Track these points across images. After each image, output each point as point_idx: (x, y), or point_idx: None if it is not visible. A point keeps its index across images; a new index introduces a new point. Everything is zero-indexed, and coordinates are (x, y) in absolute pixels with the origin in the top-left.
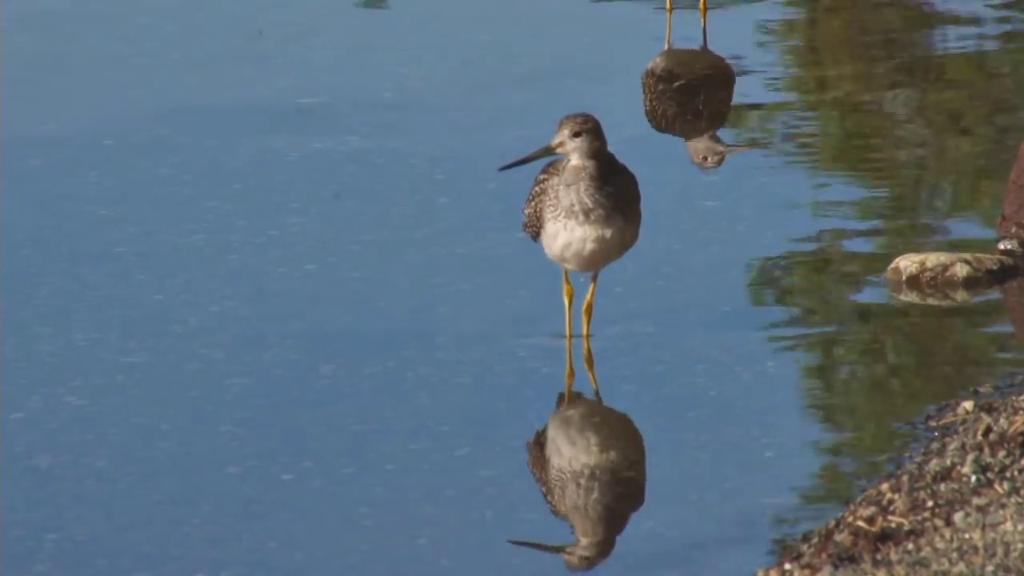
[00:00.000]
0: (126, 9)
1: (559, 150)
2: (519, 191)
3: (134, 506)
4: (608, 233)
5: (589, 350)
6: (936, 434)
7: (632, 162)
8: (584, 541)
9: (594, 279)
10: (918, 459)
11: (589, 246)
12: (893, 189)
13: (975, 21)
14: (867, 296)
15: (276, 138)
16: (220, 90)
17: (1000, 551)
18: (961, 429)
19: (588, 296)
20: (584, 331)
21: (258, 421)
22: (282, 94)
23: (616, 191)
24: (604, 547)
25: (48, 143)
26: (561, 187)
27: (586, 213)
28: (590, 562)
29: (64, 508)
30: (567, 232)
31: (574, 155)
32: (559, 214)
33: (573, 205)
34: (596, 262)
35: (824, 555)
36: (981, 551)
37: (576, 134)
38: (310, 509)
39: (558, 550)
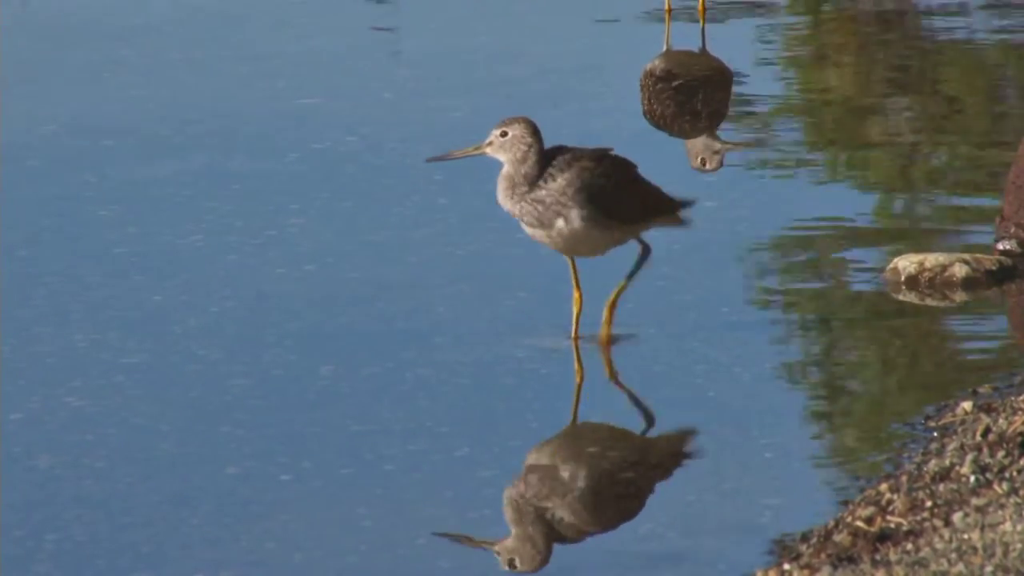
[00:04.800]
0: (125, 9)
1: (487, 149)
2: None
3: (134, 506)
4: (556, 230)
5: (609, 335)
6: (935, 434)
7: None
8: (511, 538)
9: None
10: (917, 459)
11: (551, 241)
12: (892, 189)
13: (974, 21)
14: (866, 296)
15: (276, 138)
16: (219, 90)
17: (999, 551)
18: (960, 429)
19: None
20: (605, 317)
21: (257, 422)
22: (282, 94)
23: (554, 189)
24: (534, 551)
25: (48, 143)
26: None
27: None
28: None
29: (64, 508)
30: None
31: (499, 154)
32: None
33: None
34: (576, 251)
35: (823, 555)
36: (980, 551)
37: (503, 133)
38: (309, 510)
39: (487, 545)
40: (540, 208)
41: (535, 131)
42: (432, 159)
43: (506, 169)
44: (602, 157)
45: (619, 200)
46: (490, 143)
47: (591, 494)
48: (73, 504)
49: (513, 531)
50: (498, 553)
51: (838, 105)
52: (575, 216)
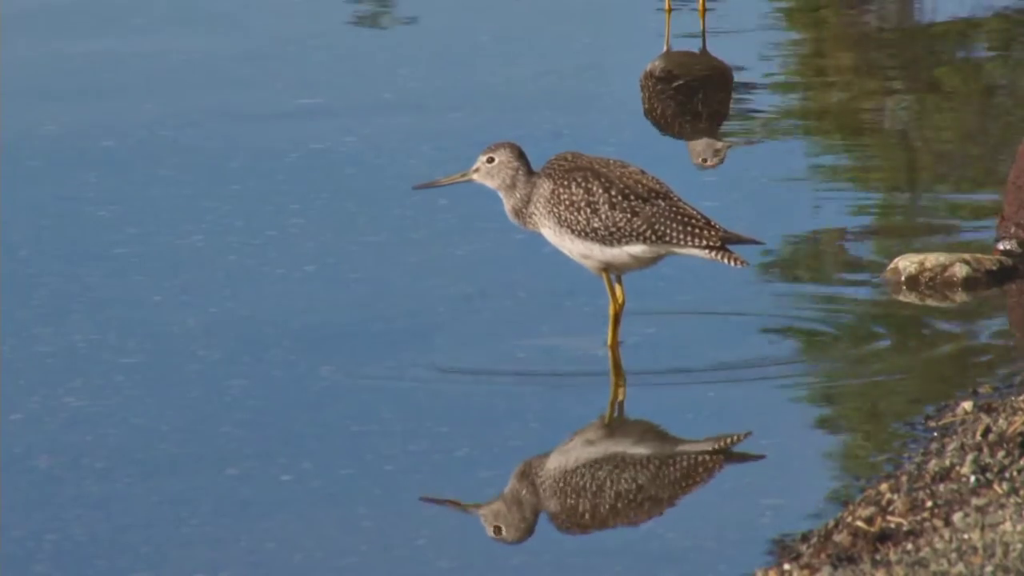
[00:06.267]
0: (125, 10)
1: (475, 176)
2: None
3: (133, 507)
4: (544, 235)
5: (615, 340)
6: (935, 434)
7: (630, 162)
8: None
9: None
10: (917, 459)
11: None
12: (892, 189)
13: (973, 21)
14: (866, 296)
15: (276, 138)
16: (219, 91)
17: (999, 551)
18: (960, 429)
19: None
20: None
21: (257, 422)
22: (282, 94)
23: (537, 205)
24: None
25: (48, 143)
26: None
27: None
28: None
29: (64, 508)
30: None
31: (486, 181)
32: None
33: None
34: (582, 263)
35: (823, 555)
36: (980, 551)
37: (490, 159)
38: (309, 510)
39: (473, 509)
40: (530, 222)
41: (520, 155)
42: (419, 186)
43: (505, 203)
44: (574, 172)
45: (585, 216)
46: (477, 170)
47: (591, 494)
48: (73, 504)
49: (507, 490)
50: (484, 517)
51: (838, 105)
52: (547, 227)
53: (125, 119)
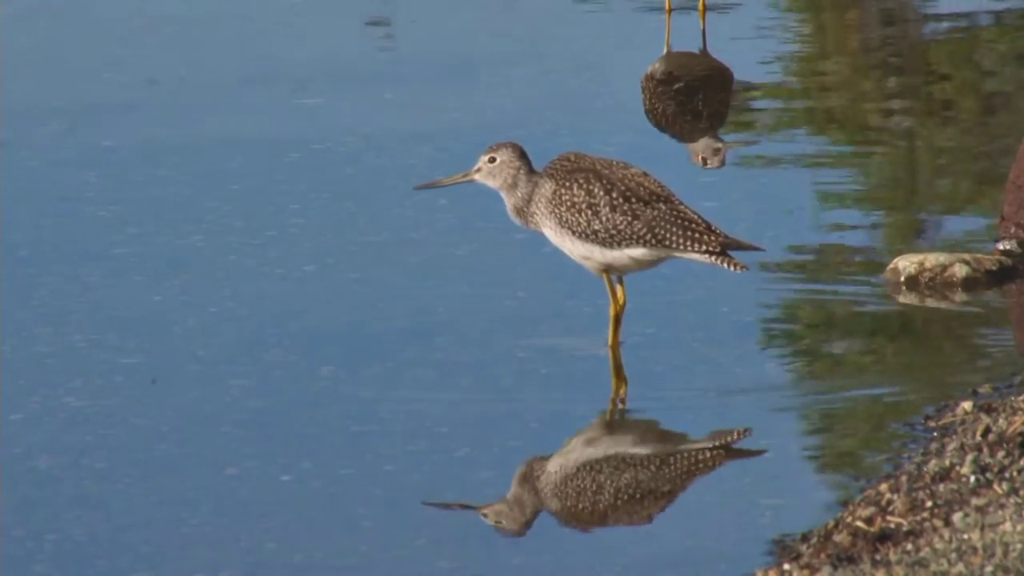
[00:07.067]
0: (125, 10)
1: (476, 176)
2: None
3: (133, 507)
4: (545, 235)
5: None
6: (935, 435)
7: (632, 163)
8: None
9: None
10: (917, 459)
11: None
12: (892, 189)
13: (972, 21)
14: (866, 296)
15: (276, 138)
16: (219, 91)
17: (999, 551)
18: (960, 430)
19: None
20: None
21: (257, 422)
22: (281, 94)
23: (539, 205)
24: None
25: (48, 143)
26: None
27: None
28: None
29: (64, 509)
30: None
31: (488, 180)
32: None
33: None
34: (583, 264)
35: (823, 555)
36: (980, 551)
37: (492, 159)
38: (309, 510)
39: (475, 507)
40: (532, 221)
41: (522, 154)
42: (420, 186)
43: (507, 202)
44: (575, 173)
45: (586, 217)
46: (478, 169)
47: (591, 494)
48: (73, 504)
49: (509, 492)
50: (485, 516)
51: (838, 104)
52: (548, 227)
53: (125, 119)
